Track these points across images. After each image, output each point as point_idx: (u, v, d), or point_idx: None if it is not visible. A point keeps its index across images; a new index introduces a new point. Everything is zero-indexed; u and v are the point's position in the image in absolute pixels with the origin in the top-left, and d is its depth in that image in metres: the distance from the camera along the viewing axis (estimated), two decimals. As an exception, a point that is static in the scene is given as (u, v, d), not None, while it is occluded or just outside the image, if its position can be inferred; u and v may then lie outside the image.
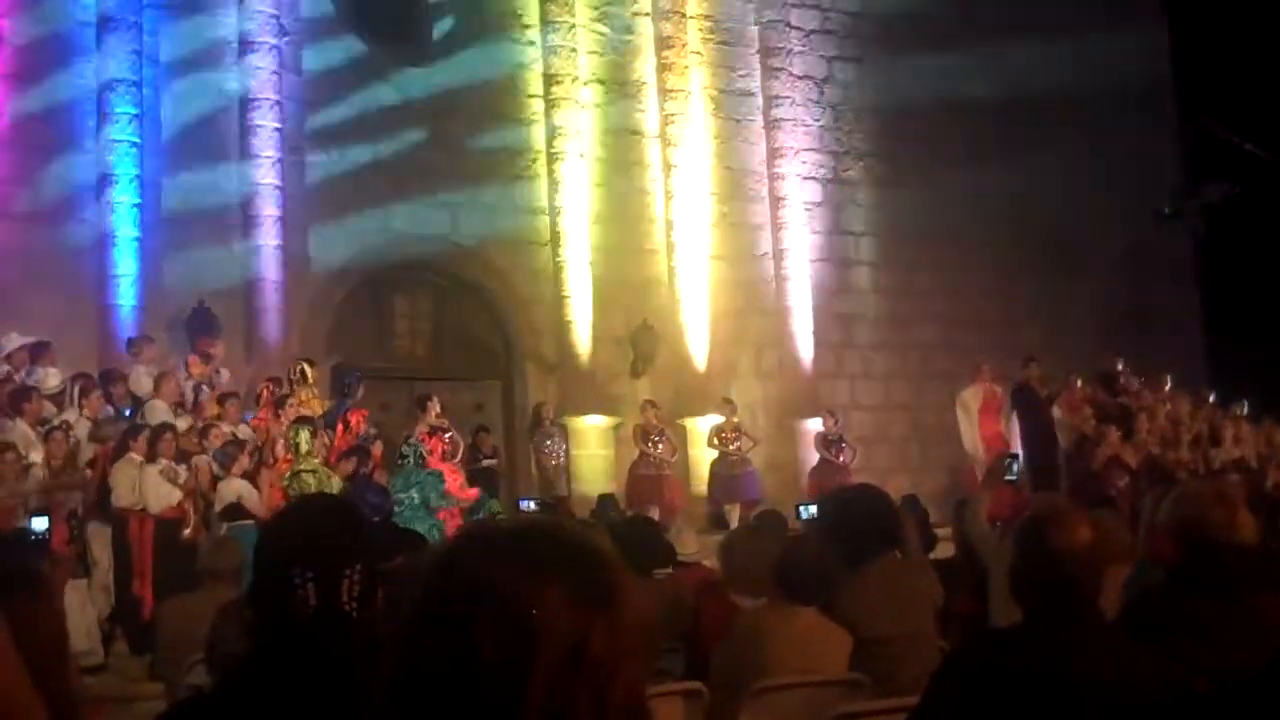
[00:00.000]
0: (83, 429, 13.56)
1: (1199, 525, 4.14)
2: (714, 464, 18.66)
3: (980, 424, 18.72)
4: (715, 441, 18.65)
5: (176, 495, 12.79)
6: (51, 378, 14.38)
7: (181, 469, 12.98)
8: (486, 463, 17.39)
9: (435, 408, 16.31)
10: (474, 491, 15.61)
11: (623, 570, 1.75)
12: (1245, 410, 19.67)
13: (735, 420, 18.85)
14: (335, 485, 13.20)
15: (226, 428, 14.09)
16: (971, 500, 9.34)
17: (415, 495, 14.45)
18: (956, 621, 7.12)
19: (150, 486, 12.69)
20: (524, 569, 1.66)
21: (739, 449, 18.63)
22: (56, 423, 13.28)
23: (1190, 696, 3.62)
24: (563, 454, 18.27)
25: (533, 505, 15.60)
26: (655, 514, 16.41)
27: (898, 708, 4.64)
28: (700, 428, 19.51)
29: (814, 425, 20.09)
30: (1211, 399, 20.13)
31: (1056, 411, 18.48)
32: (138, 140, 17.04)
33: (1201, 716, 3.09)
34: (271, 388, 15.38)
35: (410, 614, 1.70)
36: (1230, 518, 4.14)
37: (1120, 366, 19.59)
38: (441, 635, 1.65)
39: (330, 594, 2.77)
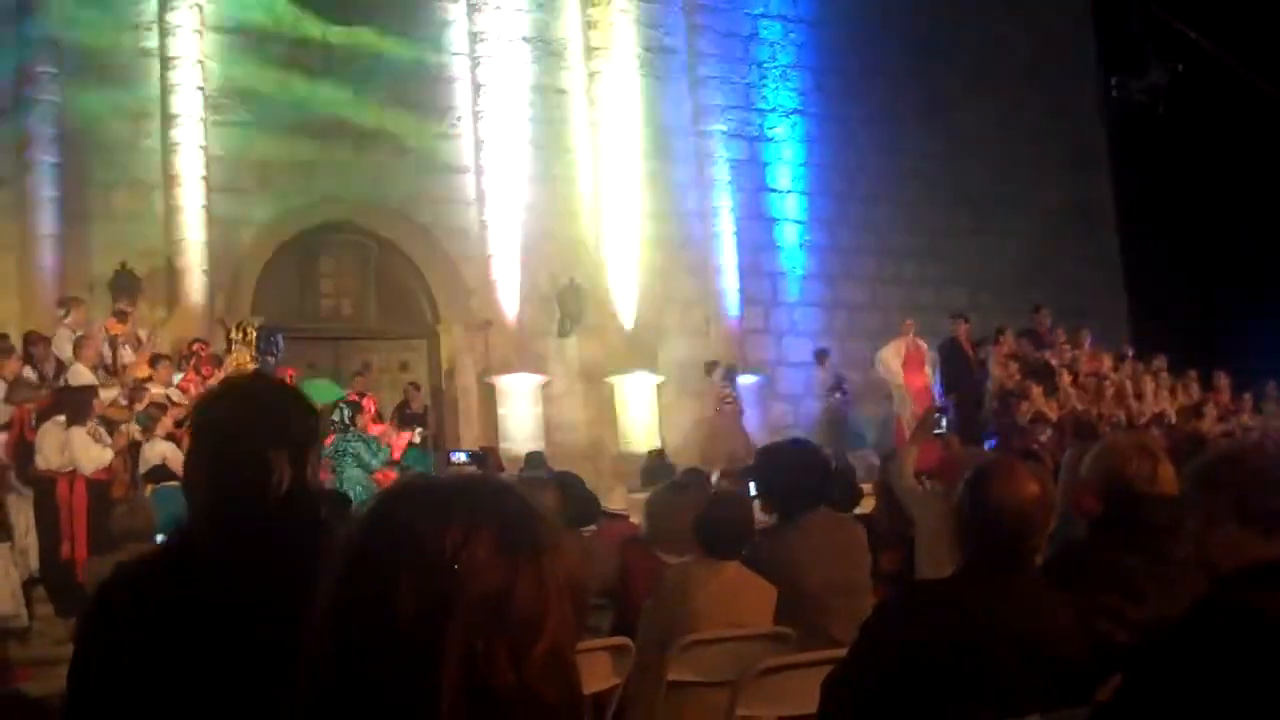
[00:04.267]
0: (-1, 391, 13.43)
1: (1121, 478, 4.17)
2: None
3: (906, 379, 18.84)
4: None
5: (108, 455, 12.70)
6: None
7: (102, 430, 12.86)
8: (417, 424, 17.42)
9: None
10: (405, 436, 15.93)
11: (553, 523, 1.72)
12: (1165, 364, 19.88)
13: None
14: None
15: (157, 389, 13.98)
16: (899, 452, 9.35)
17: (351, 461, 14.37)
18: (882, 580, 7.16)
19: (80, 448, 12.57)
20: (451, 516, 1.64)
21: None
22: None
23: (1111, 647, 3.68)
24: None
25: (464, 457, 15.58)
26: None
27: (824, 660, 4.67)
28: (627, 386, 19.56)
29: (746, 382, 20.18)
30: (1131, 353, 20.32)
31: (992, 363, 18.59)
32: (58, 100, 16.83)
33: (1122, 667, 3.14)
34: (201, 348, 15.28)
35: (339, 566, 1.68)
36: (1152, 470, 4.17)
37: (1046, 322, 19.72)
38: (367, 585, 1.63)
39: (299, 473, 2.95)
